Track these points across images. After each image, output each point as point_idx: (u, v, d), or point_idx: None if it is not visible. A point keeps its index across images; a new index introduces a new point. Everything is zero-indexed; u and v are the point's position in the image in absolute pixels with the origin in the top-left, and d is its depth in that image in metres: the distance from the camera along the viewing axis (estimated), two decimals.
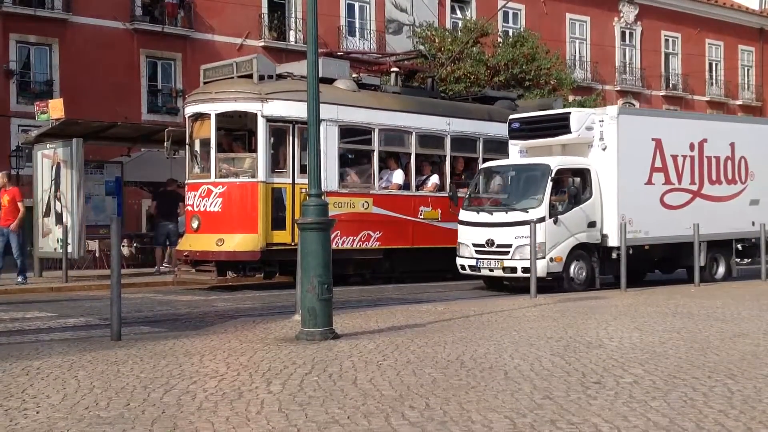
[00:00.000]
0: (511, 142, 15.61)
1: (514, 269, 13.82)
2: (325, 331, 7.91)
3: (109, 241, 8.86)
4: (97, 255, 19.08)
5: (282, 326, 8.95)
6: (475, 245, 14.32)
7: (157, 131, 17.85)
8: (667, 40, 42.17)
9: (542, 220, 13.53)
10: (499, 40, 28.29)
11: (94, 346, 7.61)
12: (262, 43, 29.49)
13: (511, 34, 30.46)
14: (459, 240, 14.78)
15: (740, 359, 6.76)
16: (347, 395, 5.39)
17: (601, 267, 14.49)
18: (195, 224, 14.93)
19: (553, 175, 13.91)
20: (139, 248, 20.78)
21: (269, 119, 14.58)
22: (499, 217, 14.13)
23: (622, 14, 40.26)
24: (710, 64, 43.86)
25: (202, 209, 14.85)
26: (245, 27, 29.51)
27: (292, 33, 30.73)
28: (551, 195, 13.88)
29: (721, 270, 16.41)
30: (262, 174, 14.51)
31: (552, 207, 13.86)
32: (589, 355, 6.92)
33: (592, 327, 8.84)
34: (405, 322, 9.32)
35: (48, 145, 17.29)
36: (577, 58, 38.37)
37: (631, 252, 14.13)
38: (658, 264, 16.69)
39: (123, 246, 18.52)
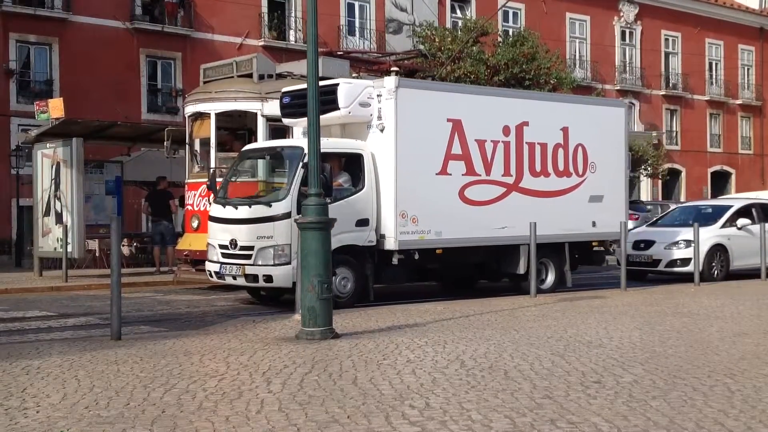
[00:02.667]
0: (284, 121, 13.01)
1: (255, 277, 11.26)
2: (325, 330, 7.91)
3: (109, 241, 8.86)
4: (97, 254, 19.06)
5: (282, 326, 8.95)
6: (221, 247, 11.73)
7: (157, 131, 17.83)
8: (667, 40, 42.16)
9: (287, 216, 10.93)
10: (499, 39, 28.27)
11: (94, 346, 7.61)
12: (262, 43, 29.48)
13: (511, 33, 30.45)
14: (208, 240, 12.26)
15: (740, 359, 6.76)
16: (347, 394, 5.39)
17: (378, 275, 11.99)
18: (195, 223, 14.91)
19: (306, 160, 10.34)
20: (139, 248, 20.77)
21: (269, 118, 14.55)
22: (243, 212, 11.52)
23: (622, 13, 40.25)
24: (710, 64, 43.85)
25: (202, 208, 14.83)
26: (245, 26, 29.50)
27: (292, 32, 30.71)
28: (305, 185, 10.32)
29: (550, 279, 13.67)
30: None
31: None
32: (589, 355, 6.92)
33: (592, 326, 8.84)
34: (405, 321, 9.32)
35: (48, 145, 17.28)
36: (577, 57, 38.35)
37: (417, 257, 12.02)
38: (481, 271, 14.19)
39: (123, 245, 18.50)
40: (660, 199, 38.77)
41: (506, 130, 13.04)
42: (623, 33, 40.43)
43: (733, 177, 44.93)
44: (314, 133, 8.21)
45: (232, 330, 8.70)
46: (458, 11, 34.83)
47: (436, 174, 12.17)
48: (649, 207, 29.96)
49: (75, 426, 4.66)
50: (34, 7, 25.95)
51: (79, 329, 9.47)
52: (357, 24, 32.23)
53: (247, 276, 11.31)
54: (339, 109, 11.79)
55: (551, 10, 37.10)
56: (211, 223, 12.16)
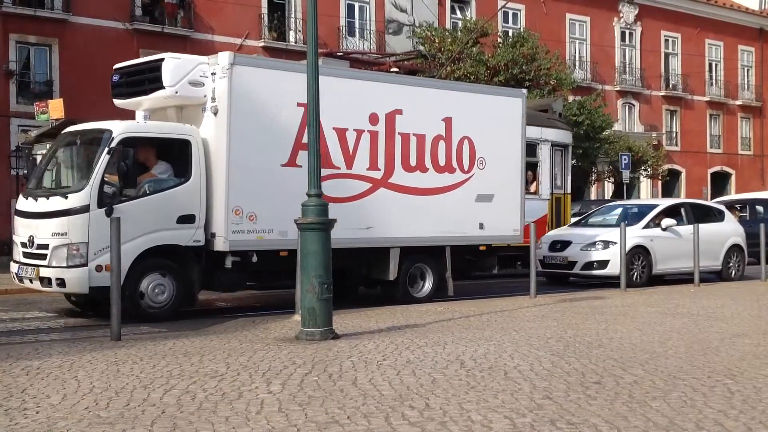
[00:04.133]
0: (115, 102, 11.64)
1: (49, 281, 9.82)
2: (325, 331, 7.91)
3: None
4: None
5: (282, 326, 8.95)
6: (22, 245, 10.36)
7: None
8: (666, 41, 42.17)
9: (85, 209, 9.58)
10: (499, 40, 28.29)
11: (94, 346, 7.61)
12: (262, 44, 29.49)
13: (510, 34, 30.46)
14: (13, 237, 10.92)
15: (740, 359, 6.76)
16: (347, 395, 5.39)
17: (209, 280, 10.66)
18: None
19: (113, 145, 9.73)
20: None
21: None
22: (41, 204, 10.14)
23: (621, 14, 40.26)
24: (710, 65, 43.86)
25: None
26: (245, 27, 29.50)
27: (291, 33, 30.71)
28: (112, 174, 9.77)
29: (427, 286, 12.24)
30: None
31: (108, 192, 9.69)
32: (589, 355, 6.92)
33: (592, 327, 8.84)
34: (404, 322, 9.32)
35: (48, 145, 17.26)
36: (577, 58, 38.36)
37: (255, 260, 10.58)
38: (347, 277, 12.46)
39: None
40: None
41: (374, 119, 11.53)
42: (623, 34, 40.44)
43: (733, 178, 44.95)
44: (314, 133, 8.20)
45: (232, 330, 8.70)
46: (458, 12, 34.84)
47: (283, 165, 10.59)
48: None
49: (75, 426, 4.66)
50: (33, 8, 25.96)
51: (79, 330, 9.46)
52: (357, 25, 32.24)
53: (41, 279, 9.88)
54: (164, 88, 10.44)
55: (551, 10, 37.11)
56: (15, 218, 10.80)
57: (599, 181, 34.88)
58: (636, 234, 15.04)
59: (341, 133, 11.23)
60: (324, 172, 9.94)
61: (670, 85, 42.00)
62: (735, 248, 16.61)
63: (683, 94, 42.23)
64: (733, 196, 33.99)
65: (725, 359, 6.76)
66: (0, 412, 5.01)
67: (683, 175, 42.75)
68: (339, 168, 11.17)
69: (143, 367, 6.45)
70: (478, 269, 14.16)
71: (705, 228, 15.58)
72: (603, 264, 14.79)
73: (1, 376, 6.13)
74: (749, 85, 45.67)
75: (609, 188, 36.99)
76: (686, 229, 15.36)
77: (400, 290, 11.89)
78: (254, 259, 10.60)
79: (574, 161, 23.76)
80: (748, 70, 45.76)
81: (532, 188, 18.00)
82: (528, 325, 8.99)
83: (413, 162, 11.95)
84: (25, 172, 11.50)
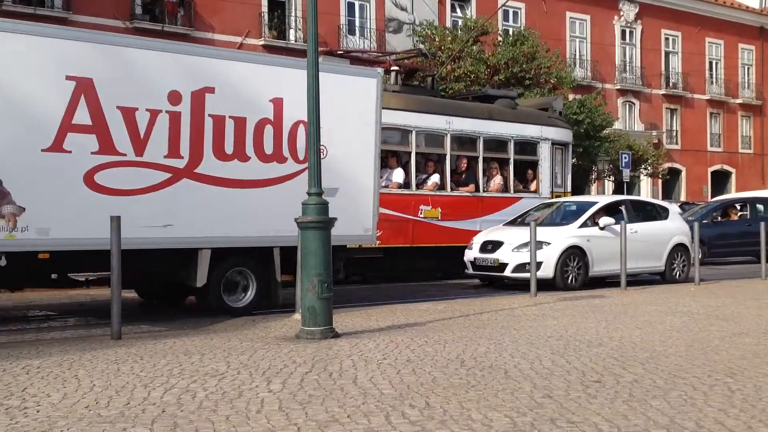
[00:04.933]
0: None
1: None
2: (325, 329, 7.91)
3: None
4: None
5: (282, 325, 8.95)
6: None
7: None
8: (667, 39, 42.16)
9: None
10: (499, 38, 28.28)
11: (94, 345, 7.62)
12: (262, 42, 29.48)
13: (511, 32, 30.44)
14: None
15: (740, 358, 6.76)
16: (347, 394, 5.39)
17: None
18: None
19: None
20: None
21: None
22: None
23: (622, 13, 40.25)
24: (710, 63, 43.85)
25: None
26: (245, 26, 29.49)
27: (292, 32, 30.71)
28: None
29: (249, 294, 10.66)
30: None
31: None
32: (589, 354, 6.92)
33: (592, 326, 8.84)
34: (405, 320, 9.32)
35: None
36: (577, 56, 38.36)
37: (4, 264, 8.75)
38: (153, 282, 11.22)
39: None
40: (660, 198, 38.78)
41: (175, 98, 9.76)
42: (623, 32, 40.43)
43: (733, 176, 44.95)
44: (314, 132, 8.21)
45: (232, 329, 8.70)
46: (458, 10, 34.83)
47: (44, 150, 8.86)
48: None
49: (75, 425, 4.66)
50: (34, 6, 25.97)
51: (79, 328, 9.46)
52: (357, 23, 32.24)
53: None
54: None
55: (551, 9, 37.10)
56: None
57: (599, 179, 34.87)
58: (571, 234, 14.19)
59: (129, 113, 9.38)
60: (102, 159, 9.10)
61: (671, 84, 42.00)
62: (679, 248, 15.42)
63: (683, 93, 42.22)
64: (733, 194, 33.99)
65: (725, 358, 6.76)
66: (0, 411, 5.01)
67: (683, 174, 42.76)
68: (124, 154, 9.37)
69: (143, 366, 6.45)
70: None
71: (647, 226, 15.11)
72: (536, 266, 13.22)
73: (1, 375, 6.14)
74: (749, 83, 45.66)
75: (609, 187, 36.99)
76: (626, 228, 14.35)
77: (213, 298, 10.33)
78: (2, 262, 8.73)
79: (574, 160, 23.75)
80: (748, 69, 45.75)
81: (533, 187, 18.03)
82: (528, 324, 8.99)
83: (229, 149, 10.13)
84: None
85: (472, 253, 14.70)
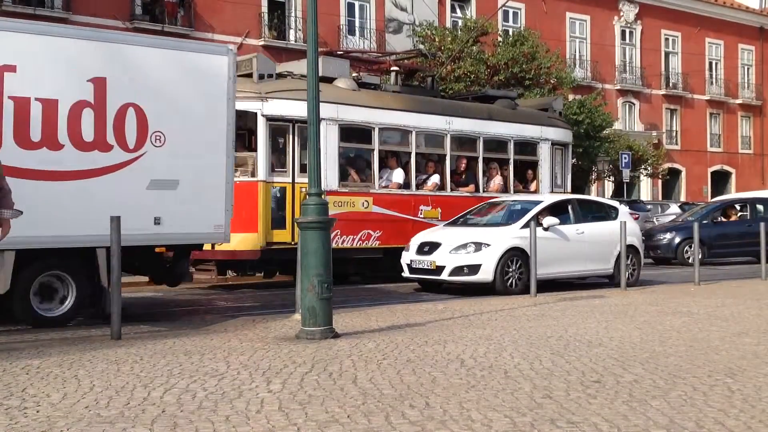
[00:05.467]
0: None
1: None
2: (325, 330, 7.91)
3: None
4: None
5: (282, 325, 8.95)
6: None
7: None
8: (667, 39, 42.18)
9: None
10: (499, 39, 28.29)
11: (94, 345, 7.61)
12: (262, 42, 29.49)
13: (511, 33, 30.46)
14: None
15: (740, 358, 6.76)
16: (347, 394, 5.39)
17: None
18: None
19: None
20: None
21: (269, 118, 14.57)
22: None
23: (622, 13, 40.27)
24: (710, 63, 43.87)
25: None
26: (245, 26, 29.50)
27: (292, 32, 30.73)
28: None
29: (69, 302, 9.39)
30: (262, 173, 14.50)
31: None
32: (589, 354, 6.92)
33: (592, 326, 8.84)
34: (405, 321, 9.32)
35: None
36: (577, 57, 38.38)
37: None
38: None
39: None
40: (660, 199, 38.81)
41: None
42: (623, 32, 40.44)
43: (733, 177, 44.97)
44: (314, 132, 8.20)
45: (232, 329, 8.70)
46: (458, 11, 34.85)
47: None
48: (649, 207, 30.00)
49: (75, 425, 4.66)
50: (33, 7, 25.98)
51: (79, 329, 9.46)
52: (357, 24, 32.26)
53: None
54: None
55: (551, 9, 37.12)
56: None
57: (599, 180, 34.89)
58: (513, 234, 13.37)
59: None
60: None
61: (671, 84, 42.02)
62: (629, 249, 14.19)
63: (683, 93, 42.24)
64: (732, 195, 34.00)
65: (725, 358, 6.76)
66: (0, 411, 5.00)
67: (683, 174, 42.77)
68: None
69: (143, 366, 6.45)
70: (163, 279, 11.08)
71: (594, 227, 14.42)
72: (474, 269, 12.98)
73: (1, 375, 6.13)
74: (749, 83, 45.68)
75: (609, 187, 37.01)
76: (572, 229, 14.01)
77: (18, 307, 9.12)
78: None
79: (574, 160, 23.77)
80: (748, 69, 45.77)
81: (533, 187, 18.03)
82: (528, 324, 8.99)
83: (36, 136, 8.88)
84: None
85: (408, 255, 13.84)
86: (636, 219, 25.43)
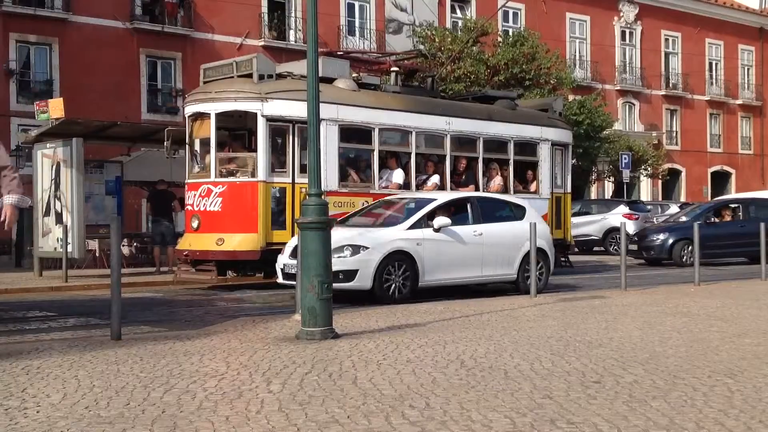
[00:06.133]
0: None
1: None
2: (325, 330, 7.91)
3: (109, 241, 8.85)
4: (97, 254, 19.07)
5: (282, 326, 8.94)
6: None
7: (157, 131, 17.85)
8: (667, 40, 42.19)
9: None
10: (499, 39, 28.31)
11: (94, 346, 7.61)
12: (262, 43, 29.50)
13: (511, 33, 30.47)
14: None
15: (740, 359, 6.76)
16: (347, 395, 5.39)
17: None
18: (195, 224, 14.92)
19: None
20: (139, 248, 20.79)
21: (269, 119, 14.57)
22: None
23: (622, 14, 40.27)
24: (710, 64, 43.88)
25: (202, 209, 14.84)
26: (245, 26, 29.51)
27: (291, 32, 30.74)
28: None
29: None
30: (262, 173, 14.51)
31: None
32: (589, 355, 6.92)
33: (592, 326, 8.84)
34: (405, 321, 9.32)
35: (48, 145, 17.28)
36: (577, 57, 38.39)
37: None
38: None
39: (123, 245, 18.52)
40: (660, 199, 38.81)
41: None
42: (623, 33, 40.45)
43: (733, 177, 44.98)
44: (314, 133, 8.20)
45: (232, 330, 8.70)
46: (458, 11, 34.85)
47: None
48: (649, 207, 30.01)
49: (75, 426, 4.66)
50: (34, 7, 25.98)
51: (79, 329, 9.46)
52: (357, 24, 32.27)
53: None
54: None
55: (551, 10, 37.12)
56: None
57: (599, 180, 34.92)
58: (397, 236, 12.07)
59: None
60: None
61: (671, 85, 42.03)
62: (538, 253, 12.74)
63: (683, 94, 42.25)
64: (733, 195, 34.00)
65: (725, 359, 6.76)
66: (0, 411, 5.00)
67: (683, 175, 42.79)
68: None
69: (143, 367, 6.44)
70: None
71: (496, 228, 13.18)
72: (350, 275, 11.60)
73: (1, 375, 6.13)
74: (749, 84, 45.69)
75: (609, 188, 37.01)
76: (469, 230, 12.74)
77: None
78: None
79: (574, 161, 23.78)
80: (748, 70, 45.79)
81: (533, 188, 18.04)
82: (528, 325, 8.99)
83: None
84: None
85: (282, 259, 12.50)
86: (636, 219, 25.50)
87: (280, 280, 12.64)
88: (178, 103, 27.33)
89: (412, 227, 12.28)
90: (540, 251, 12.96)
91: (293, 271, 11.29)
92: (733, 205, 23.10)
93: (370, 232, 12.36)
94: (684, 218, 22.56)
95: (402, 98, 16.68)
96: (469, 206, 13.23)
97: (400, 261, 11.99)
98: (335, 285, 11.07)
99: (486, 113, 17.72)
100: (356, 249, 11.76)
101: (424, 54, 22.94)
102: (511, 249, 13.23)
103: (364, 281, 11.71)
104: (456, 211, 13.03)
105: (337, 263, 10.89)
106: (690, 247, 20.06)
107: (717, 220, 22.37)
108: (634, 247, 21.14)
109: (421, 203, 13.01)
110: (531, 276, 12.31)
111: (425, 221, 12.38)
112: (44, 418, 4.85)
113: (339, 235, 11.43)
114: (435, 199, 13.06)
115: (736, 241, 20.79)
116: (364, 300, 11.64)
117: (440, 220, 12.38)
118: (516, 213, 13.88)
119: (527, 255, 12.78)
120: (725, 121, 44.50)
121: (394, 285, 11.97)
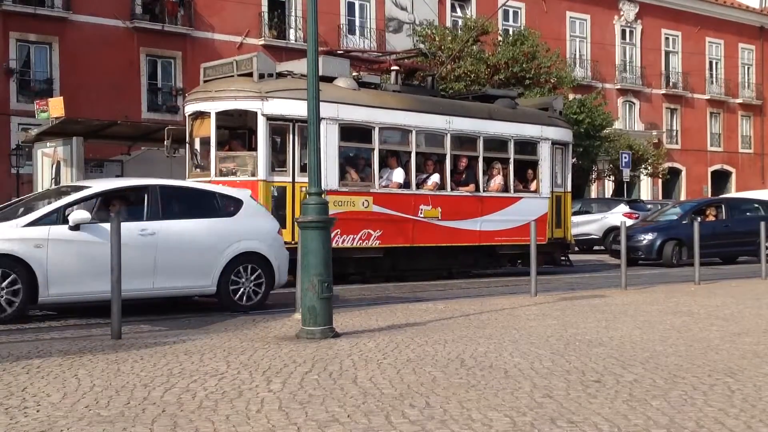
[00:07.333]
0: None
1: None
2: (326, 329, 7.91)
3: None
4: None
5: (282, 325, 8.95)
6: None
7: (157, 130, 17.85)
8: (667, 39, 42.18)
9: None
10: (499, 38, 28.31)
11: (94, 345, 7.61)
12: (262, 42, 29.49)
13: (511, 32, 30.47)
14: None
15: (740, 358, 6.76)
16: (347, 394, 5.39)
17: None
18: None
19: None
20: None
21: (269, 118, 14.56)
22: None
23: (622, 12, 40.26)
24: (710, 63, 43.86)
25: None
26: (245, 25, 29.50)
27: (292, 31, 30.73)
28: None
29: None
30: (262, 173, 14.50)
31: None
32: (589, 354, 6.92)
33: (592, 325, 8.84)
34: (405, 320, 9.32)
35: (48, 144, 17.29)
36: (578, 56, 38.38)
37: None
38: None
39: None
40: (660, 198, 38.79)
41: None
42: (623, 32, 40.44)
43: (734, 176, 44.97)
44: (314, 132, 8.20)
45: (232, 329, 8.70)
46: (458, 10, 34.84)
47: None
48: (649, 206, 30.01)
49: (75, 425, 4.66)
50: (34, 6, 25.97)
51: (80, 328, 9.46)
52: (357, 23, 32.27)
53: None
54: None
55: (551, 9, 37.12)
56: None
57: (600, 179, 34.90)
58: (7, 236, 9.15)
59: None
60: None
61: (671, 83, 42.02)
62: (251, 259, 10.51)
63: (684, 93, 42.24)
64: (733, 195, 33.98)
65: (725, 358, 6.76)
66: (0, 411, 5.01)
67: (683, 174, 42.79)
68: None
69: (144, 366, 6.44)
70: None
71: (180, 226, 10.13)
72: None
73: (1, 375, 6.13)
74: (749, 83, 45.68)
75: (609, 187, 37.00)
76: (133, 228, 9.55)
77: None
78: None
79: (574, 160, 23.76)
80: (748, 68, 45.78)
81: (533, 187, 18.03)
82: (528, 324, 8.99)
83: None
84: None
85: None
86: (636, 219, 25.48)
87: None
88: (178, 102, 27.33)
89: (36, 223, 9.36)
90: (256, 256, 10.56)
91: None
92: (715, 205, 23.06)
93: None
94: (662, 218, 22.46)
95: (402, 97, 16.66)
96: (146, 198, 10.09)
97: (5, 269, 9.04)
98: None
99: (486, 112, 17.70)
100: None
101: (424, 53, 22.92)
102: (205, 253, 10.22)
103: None
104: (128, 203, 10.28)
105: None
106: (679, 248, 20.11)
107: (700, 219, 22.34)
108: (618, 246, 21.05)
109: (69, 192, 10.11)
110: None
111: (62, 216, 9.48)
112: (44, 417, 4.86)
113: None
114: (88, 187, 10.14)
115: (721, 240, 20.72)
116: None
117: (78, 214, 9.37)
118: (224, 207, 10.75)
119: (234, 261, 10.35)
120: (725, 120, 44.48)
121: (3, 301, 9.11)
